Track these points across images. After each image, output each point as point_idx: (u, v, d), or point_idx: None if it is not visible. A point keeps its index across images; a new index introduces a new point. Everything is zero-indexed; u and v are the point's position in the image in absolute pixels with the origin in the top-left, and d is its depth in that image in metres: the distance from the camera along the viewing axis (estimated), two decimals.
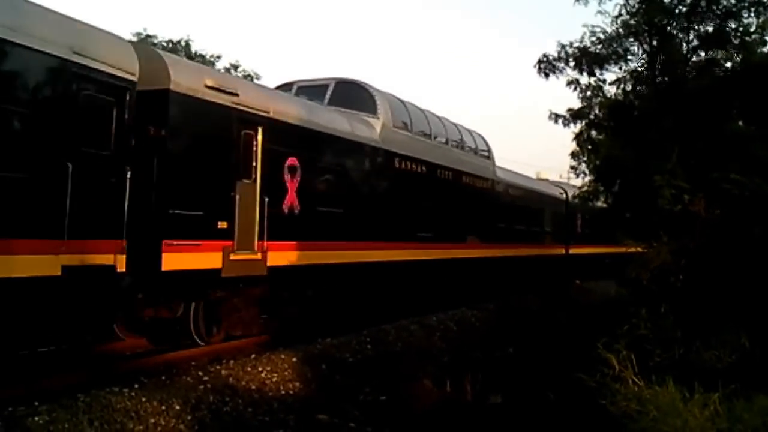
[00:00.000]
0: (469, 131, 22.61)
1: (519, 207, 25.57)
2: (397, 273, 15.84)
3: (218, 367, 10.50)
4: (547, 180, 35.95)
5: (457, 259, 19.37)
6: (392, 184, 16.26)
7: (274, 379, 10.44)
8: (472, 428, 7.61)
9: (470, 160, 21.72)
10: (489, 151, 23.81)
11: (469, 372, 8.96)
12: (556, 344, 10.45)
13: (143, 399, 8.67)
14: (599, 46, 12.42)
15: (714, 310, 7.72)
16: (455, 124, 21.65)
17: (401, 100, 18.25)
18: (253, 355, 11.42)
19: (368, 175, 15.48)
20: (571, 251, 31.01)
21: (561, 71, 12.80)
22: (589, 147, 12.98)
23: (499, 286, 21.51)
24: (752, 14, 11.69)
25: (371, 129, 16.01)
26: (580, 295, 18.79)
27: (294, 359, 11.37)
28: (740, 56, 11.77)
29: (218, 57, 33.85)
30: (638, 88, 13.04)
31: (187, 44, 32.87)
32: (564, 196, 31.19)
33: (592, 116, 13.50)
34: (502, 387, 9.45)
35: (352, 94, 16.49)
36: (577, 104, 13.38)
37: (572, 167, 15.09)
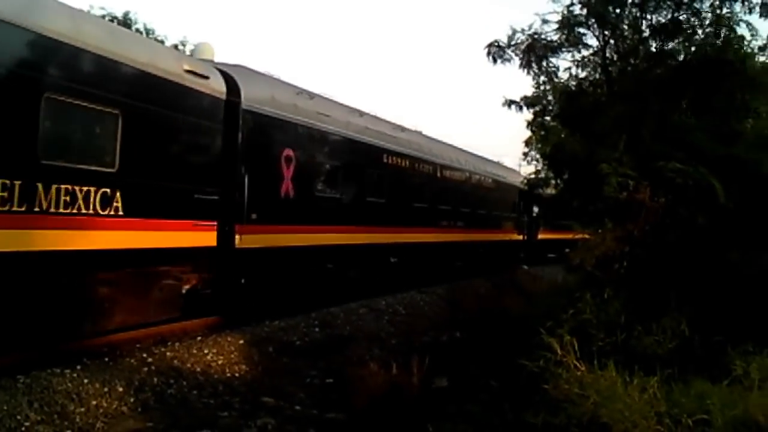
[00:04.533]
0: None
1: None
2: None
3: (163, 349, 10.48)
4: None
5: None
6: None
7: (220, 362, 10.43)
8: (417, 410, 7.62)
9: None
10: None
11: (416, 355, 8.96)
12: (503, 328, 10.53)
13: (85, 381, 8.62)
14: (551, 34, 12.47)
15: (656, 296, 7.86)
16: None
17: None
18: (198, 338, 11.40)
19: None
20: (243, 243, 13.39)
21: (509, 60, 12.82)
22: (542, 133, 13.10)
23: None
24: (707, 6, 11.84)
25: None
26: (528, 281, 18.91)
27: (240, 342, 11.37)
28: (692, 48, 11.95)
29: None
30: (590, 75, 13.16)
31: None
32: (221, 89, 13.26)
33: (545, 102, 13.62)
34: (449, 371, 9.51)
35: None
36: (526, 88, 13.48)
37: (524, 153, 15.25)
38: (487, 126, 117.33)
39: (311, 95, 16.87)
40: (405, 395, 8.08)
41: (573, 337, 6.84)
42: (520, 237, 33.63)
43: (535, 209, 35.50)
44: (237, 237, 13.19)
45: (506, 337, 9.55)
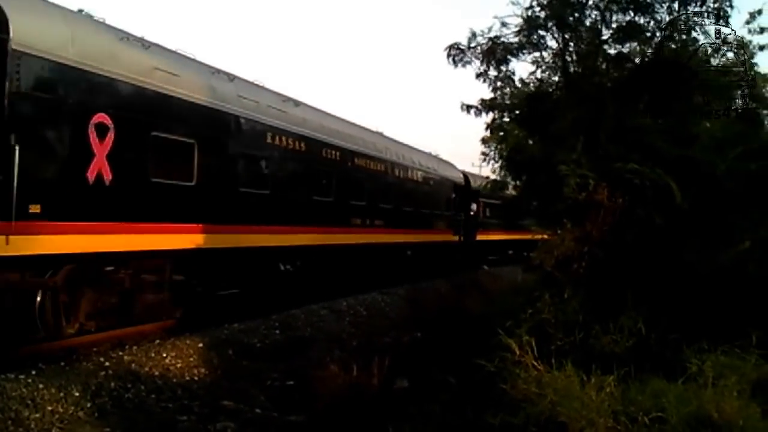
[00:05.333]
0: None
1: None
2: None
3: (121, 353, 10.37)
4: None
5: None
6: None
7: (179, 365, 10.35)
8: (378, 411, 7.62)
9: None
10: None
11: (376, 357, 8.96)
12: (464, 328, 10.58)
13: (40, 386, 8.51)
14: (511, 36, 12.50)
15: (613, 295, 7.95)
16: None
17: None
18: (157, 341, 11.30)
19: None
20: None
21: (470, 62, 12.82)
22: (500, 134, 13.14)
23: None
24: (665, 10, 11.95)
25: None
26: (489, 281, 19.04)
27: (200, 345, 11.29)
28: (650, 51, 12.08)
29: None
30: (549, 78, 13.23)
31: None
32: None
33: (504, 104, 13.64)
34: (410, 371, 9.52)
35: None
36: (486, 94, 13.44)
37: (483, 153, 15.23)
38: (454, 130, 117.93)
39: (146, 44, 12.41)
40: (366, 396, 8.08)
41: (531, 337, 6.88)
42: (456, 238, 29.72)
43: (473, 207, 32.42)
44: (2, 239, 9.27)
45: (467, 337, 9.59)
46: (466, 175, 32.35)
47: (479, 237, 32.64)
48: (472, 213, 32.03)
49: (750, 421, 5.77)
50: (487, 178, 34.21)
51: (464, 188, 31.25)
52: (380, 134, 24.00)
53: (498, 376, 6.64)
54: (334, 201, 18.57)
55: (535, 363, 6.55)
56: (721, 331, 7.19)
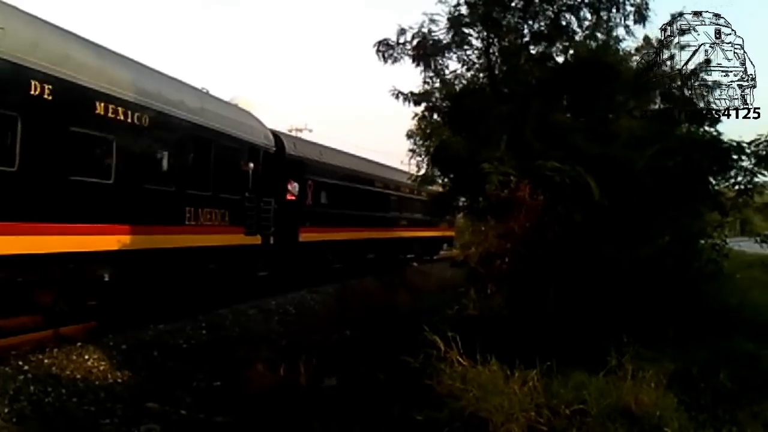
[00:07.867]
0: None
1: None
2: None
3: (41, 356, 10.08)
4: None
5: None
6: None
7: (102, 368, 10.12)
8: (303, 410, 7.61)
9: None
10: None
11: (304, 355, 8.94)
12: (393, 325, 10.63)
13: None
14: (440, 33, 12.56)
15: (536, 291, 8.10)
16: None
17: None
18: (79, 343, 11.02)
19: None
20: None
21: (399, 58, 12.85)
22: (427, 131, 13.23)
23: None
24: (587, 12, 12.18)
25: None
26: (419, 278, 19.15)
27: (124, 346, 11.07)
28: (571, 51, 12.32)
29: None
30: (475, 76, 13.36)
31: None
32: None
33: (433, 99, 13.72)
34: (338, 370, 9.52)
35: None
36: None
37: (411, 150, 15.29)
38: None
39: None
40: (294, 395, 8.05)
41: (456, 333, 6.96)
42: (257, 240, 18.30)
43: (294, 188, 20.95)
44: None
45: (395, 334, 9.64)
46: (278, 136, 21.21)
47: (306, 237, 21.76)
48: (292, 198, 20.98)
49: (666, 411, 5.98)
50: (321, 145, 24.44)
51: (275, 157, 20.06)
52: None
53: (424, 372, 6.71)
54: None
55: (460, 359, 6.64)
56: (641, 325, 7.42)
